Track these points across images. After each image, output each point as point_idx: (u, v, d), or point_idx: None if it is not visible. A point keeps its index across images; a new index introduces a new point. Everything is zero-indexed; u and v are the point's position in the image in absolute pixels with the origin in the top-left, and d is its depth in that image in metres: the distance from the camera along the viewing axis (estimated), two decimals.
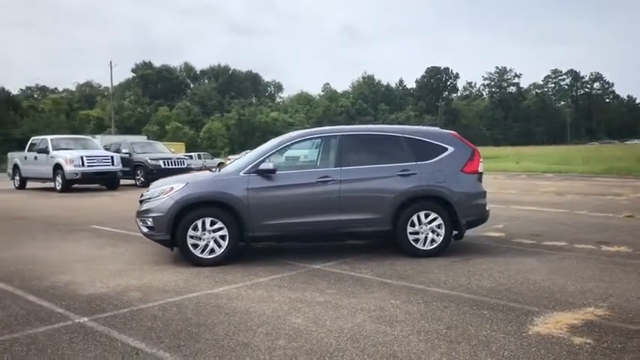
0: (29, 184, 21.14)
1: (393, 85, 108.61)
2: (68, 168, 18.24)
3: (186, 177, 7.62)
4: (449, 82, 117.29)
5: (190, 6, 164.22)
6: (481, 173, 7.60)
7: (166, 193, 6.94)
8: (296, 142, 7.46)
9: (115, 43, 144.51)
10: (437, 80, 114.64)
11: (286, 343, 4.21)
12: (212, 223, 6.81)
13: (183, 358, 3.93)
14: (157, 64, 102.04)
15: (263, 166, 6.96)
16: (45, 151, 19.28)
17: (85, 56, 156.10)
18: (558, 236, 8.74)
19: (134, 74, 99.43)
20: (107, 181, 19.60)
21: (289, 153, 7.51)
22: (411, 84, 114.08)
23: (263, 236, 7.02)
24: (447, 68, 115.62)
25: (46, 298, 5.49)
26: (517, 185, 20.20)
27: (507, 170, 31.57)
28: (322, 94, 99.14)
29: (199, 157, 47.09)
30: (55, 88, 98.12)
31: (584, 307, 5.01)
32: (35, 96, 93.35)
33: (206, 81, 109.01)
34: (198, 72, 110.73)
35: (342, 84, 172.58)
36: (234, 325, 4.62)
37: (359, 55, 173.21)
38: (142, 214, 7.05)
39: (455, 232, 7.41)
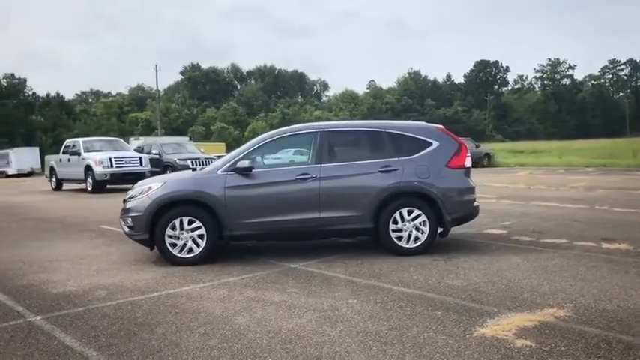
0: (66, 186, 21.87)
1: (440, 80, 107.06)
2: (97, 169, 18.76)
3: (165, 176, 7.67)
4: (498, 76, 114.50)
5: (238, 8, 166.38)
6: (468, 168, 7.33)
7: (145, 192, 7.00)
8: (276, 140, 7.38)
9: (166, 48, 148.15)
10: (486, 74, 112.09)
11: (217, 343, 4.15)
12: (190, 222, 6.82)
13: (107, 357, 3.93)
14: (205, 66, 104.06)
15: (239, 165, 6.91)
16: (77, 153, 19.91)
17: (137, 61, 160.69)
18: (562, 233, 8.35)
19: (182, 76, 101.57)
20: (135, 182, 19.98)
21: (270, 151, 7.41)
22: (459, 78, 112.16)
23: (242, 235, 6.98)
24: (497, 61, 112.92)
25: (13, 297, 5.62)
26: (549, 181, 19.48)
27: (548, 165, 30.56)
28: (367, 91, 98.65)
29: None
30: (109, 92, 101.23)
31: (547, 308, 4.75)
32: (90, 100, 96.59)
33: (252, 81, 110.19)
34: (244, 73, 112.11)
35: (388, 80, 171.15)
36: (177, 325, 4.59)
37: (405, 51, 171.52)
38: (123, 214, 7.13)
39: (440, 230, 7.17)
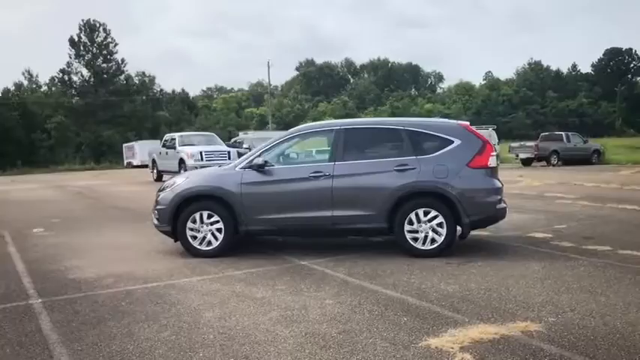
0: (165, 177, 23.32)
1: (564, 70, 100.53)
2: (189, 162, 19.86)
3: (190, 172, 7.98)
4: (632, 65, 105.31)
5: (358, 2, 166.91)
6: (492, 168, 6.92)
7: (170, 186, 7.37)
8: (295, 137, 7.43)
9: (287, 44, 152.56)
10: (617, 63, 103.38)
11: (168, 335, 4.32)
12: (209, 216, 7.08)
13: (63, 343, 4.23)
14: (321, 61, 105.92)
15: (255, 161, 7.06)
16: (173, 146, 21.21)
17: (260, 58, 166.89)
18: (614, 240, 7.64)
19: (298, 72, 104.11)
20: None
21: (288, 148, 7.48)
22: (585, 68, 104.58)
23: (257, 230, 7.13)
24: (630, 49, 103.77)
25: (35, 280, 6.18)
26: None
27: None
28: (483, 82, 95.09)
29: None
30: (232, 89, 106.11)
31: (522, 321, 4.42)
32: (214, 96, 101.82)
33: (365, 75, 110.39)
34: (358, 67, 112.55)
35: (506, 72, 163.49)
36: (147, 315, 4.83)
37: (527, 41, 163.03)
38: (154, 207, 7.54)
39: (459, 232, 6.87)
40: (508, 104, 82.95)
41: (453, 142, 6.89)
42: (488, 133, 34.24)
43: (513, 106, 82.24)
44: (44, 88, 71.19)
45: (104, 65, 60.31)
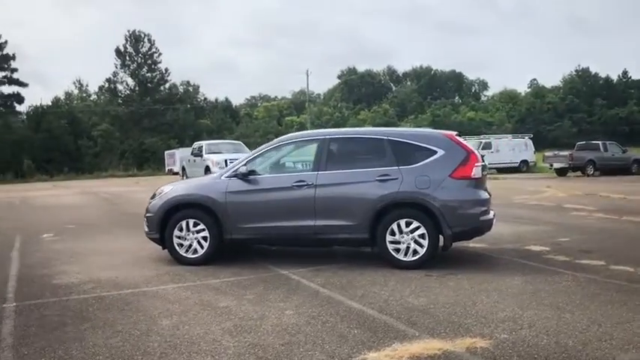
0: None
1: (613, 77, 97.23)
2: (214, 169, 20.16)
3: (180, 180, 8.10)
4: None
5: (401, 10, 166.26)
6: (477, 179, 6.77)
7: (159, 195, 7.51)
8: (280, 146, 7.47)
9: (330, 52, 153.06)
10: None
11: (116, 342, 4.39)
12: (195, 225, 7.17)
13: (15, 347, 4.36)
14: (363, 69, 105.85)
15: (240, 170, 7.12)
16: (200, 154, 21.60)
17: (302, 66, 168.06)
18: (612, 255, 7.35)
19: (339, 80, 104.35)
20: None
21: (274, 157, 7.50)
22: (636, 75, 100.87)
23: (241, 239, 7.17)
24: None
25: (20, 284, 6.40)
26: None
27: None
28: (528, 90, 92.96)
29: None
30: (276, 97, 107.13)
31: (472, 338, 4.31)
32: (258, 104, 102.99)
33: (408, 83, 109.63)
34: (400, 74, 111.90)
35: (553, 79, 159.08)
36: (105, 322, 4.91)
37: (574, 47, 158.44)
38: (144, 214, 7.69)
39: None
40: (553, 112, 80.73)
41: (436, 152, 6.79)
42: (524, 142, 33.52)
43: (559, 114, 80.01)
44: (93, 96, 73.73)
45: (148, 75, 61.88)
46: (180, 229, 7.20)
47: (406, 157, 6.85)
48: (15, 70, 57.97)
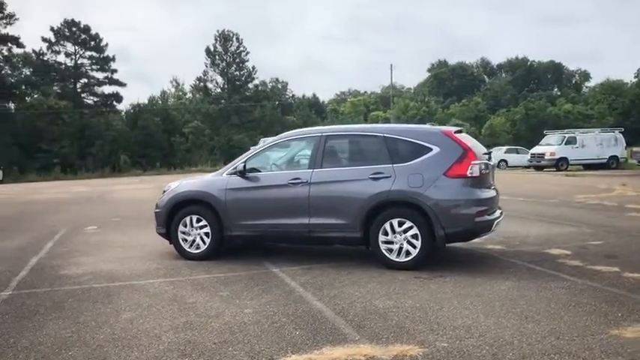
0: None
1: None
2: None
3: (188, 177, 8.28)
4: None
5: (493, 1, 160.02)
6: (473, 178, 6.41)
7: (167, 191, 7.74)
8: (279, 144, 7.46)
9: (420, 45, 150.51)
10: None
11: (68, 332, 4.60)
12: (198, 221, 7.34)
13: None
14: (454, 61, 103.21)
15: (238, 167, 7.20)
16: None
17: (392, 60, 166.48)
18: (638, 261, 6.74)
19: (429, 74, 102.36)
20: None
21: (273, 154, 7.50)
22: None
23: (240, 235, 7.25)
24: None
25: (30, 273, 6.84)
26: None
27: None
28: (634, 80, 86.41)
29: None
30: (365, 92, 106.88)
31: (408, 345, 4.12)
32: (348, 100, 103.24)
33: (503, 75, 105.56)
34: (494, 66, 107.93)
35: None
36: (75, 311, 5.16)
37: None
38: (154, 210, 7.95)
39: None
40: None
41: (431, 149, 6.51)
42: (614, 137, 31.27)
43: None
44: (189, 95, 77.14)
45: (237, 73, 63.82)
46: (185, 225, 7.39)
47: (401, 154, 6.63)
48: (115, 71, 61.85)
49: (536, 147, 32.68)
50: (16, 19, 56.32)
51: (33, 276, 6.71)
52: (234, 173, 7.24)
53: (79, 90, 62.09)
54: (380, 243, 6.55)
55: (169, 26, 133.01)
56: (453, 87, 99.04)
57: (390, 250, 6.51)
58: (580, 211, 11.68)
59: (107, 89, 62.32)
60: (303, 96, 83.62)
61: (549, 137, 32.70)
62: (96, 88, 62.52)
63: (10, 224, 12.01)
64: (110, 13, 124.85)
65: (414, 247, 6.41)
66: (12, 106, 60.66)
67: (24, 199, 20.81)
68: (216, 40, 62.85)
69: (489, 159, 7.07)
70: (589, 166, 30.50)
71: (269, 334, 4.45)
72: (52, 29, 59.51)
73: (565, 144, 30.46)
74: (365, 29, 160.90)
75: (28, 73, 63.74)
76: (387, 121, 75.24)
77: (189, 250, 7.41)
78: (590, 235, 8.62)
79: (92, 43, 60.51)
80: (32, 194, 23.39)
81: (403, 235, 6.45)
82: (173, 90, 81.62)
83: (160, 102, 68.31)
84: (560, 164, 29.94)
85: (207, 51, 62.76)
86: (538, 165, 31.09)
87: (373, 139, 6.92)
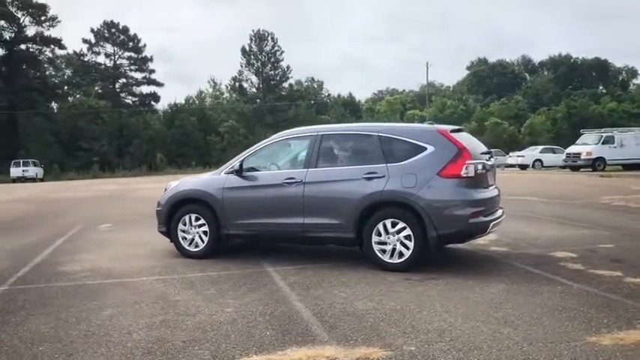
0: None
1: None
2: None
3: (189, 176, 8.33)
4: None
5: None
6: (468, 178, 6.23)
7: (167, 190, 7.81)
8: (275, 143, 7.42)
9: (461, 43, 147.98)
10: None
11: (45, 328, 4.66)
12: (197, 219, 7.37)
13: None
14: (495, 59, 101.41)
15: (235, 166, 7.21)
16: None
17: (431, 58, 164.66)
18: None
19: (468, 72, 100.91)
20: None
21: (270, 154, 7.45)
22: None
23: (236, 234, 7.26)
24: None
25: (31, 269, 7.00)
26: None
27: None
28: None
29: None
30: (403, 90, 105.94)
31: (374, 348, 4.04)
32: (385, 99, 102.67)
33: (545, 72, 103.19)
34: (536, 64, 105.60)
35: None
36: (59, 308, 5.24)
37: None
38: (156, 208, 8.01)
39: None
40: None
41: (426, 148, 6.38)
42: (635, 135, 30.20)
43: None
44: (226, 94, 78.06)
45: (271, 72, 64.26)
46: (184, 224, 7.44)
47: (395, 154, 6.52)
48: (153, 71, 63.15)
49: (572, 146, 31.80)
50: (58, 22, 58.05)
51: (33, 272, 6.86)
52: (232, 172, 7.25)
53: (117, 90, 63.56)
54: (373, 244, 6.45)
55: (209, 26, 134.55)
56: (492, 85, 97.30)
57: (384, 251, 6.41)
58: (601, 213, 11.28)
59: (145, 89, 63.72)
60: (339, 95, 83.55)
61: (586, 136, 31.77)
62: (134, 88, 63.95)
63: (31, 221, 12.36)
64: (151, 14, 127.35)
65: (408, 248, 6.30)
66: (54, 106, 62.59)
67: (54, 196, 21.38)
68: (251, 39, 63.49)
69: (490, 159, 6.90)
70: (628, 167, 29.49)
71: (239, 334, 4.42)
72: (92, 30, 61.08)
73: (602, 143, 29.51)
74: (406, 27, 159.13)
75: (70, 73, 65.67)
76: (422, 119, 74.54)
77: (188, 248, 7.45)
78: (604, 238, 8.31)
79: (131, 43, 61.89)
80: (64, 192, 24.03)
81: (396, 236, 6.33)
82: (211, 90, 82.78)
83: (197, 101, 69.25)
84: (597, 164, 29.01)
85: (243, 51, 63.44)
86: (574, 165, 30.20)
87: (368, 138, 6.82)
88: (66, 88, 65.13)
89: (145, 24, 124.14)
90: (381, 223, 6.40)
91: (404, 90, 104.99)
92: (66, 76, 66.79)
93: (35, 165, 45.64)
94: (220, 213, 7.19)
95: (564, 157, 31.45)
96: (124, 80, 63.60)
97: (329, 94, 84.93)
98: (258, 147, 7.45)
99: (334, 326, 4.56)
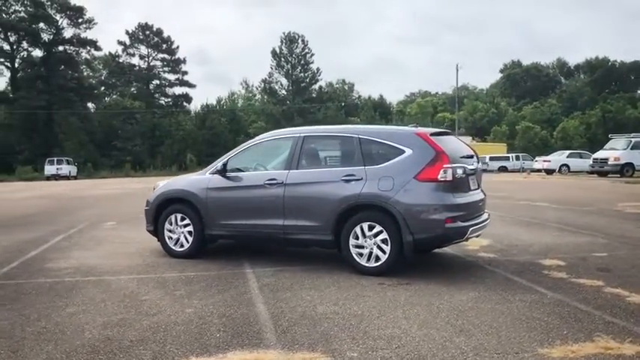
0: None
1: None
2: None
3: (179, 176, 8.39)
4: None
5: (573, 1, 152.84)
6: (445, 182, 6.09)
7: (155, 189, 7.87)
8: (259, 144, 7.40)
9: (495, 46, 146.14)
10: None
11: (4, 324, 4.75)
12: (182, 219, 7.42)
13: None
14: (529, 62, 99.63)
15: (218, 167, 7.22)
16: None
17: (466, 61, 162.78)
18: (630, 276, 6.24)
19: (502, 74, 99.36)
20: None
21: (253, 155, 7.42)
22: None
23: (219, 235, 7.27)
24: None
25: (21, 265, 7.15)
26: None
27: None
28: None
29: (517, 158, 44.64)
30: (437, 93, 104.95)
31: (315, 353, 3.99)
32: (416, 101, 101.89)
33: (581, 76, 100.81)
34: (572, 67, 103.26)
35: None
36: (24, 304, 5.31)
37: None
38: (144, 207, 8.08)
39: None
40: None
41: (404, 151, 6.28)
42: None
43: None
44: (258, 96, 78.63)
45: (301, 75, 64.45)
46: (170, 223, 7.49)
47: (374, 156, 6.45)
48: (185, 72, 64.06)
49: (600, 152, 30.95)
50: (94, 24, 59.42)
51: (19, 268, 6.99)
52: (216, 172, 7.26)
53: (152, 91, 64.67)
54: (351, 247, 6.38)
55: (245, 28, 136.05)
56: (526, 88, 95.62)
57: (361, 255, 6.33)
58: (609, 220, 10.93)
59: (178, 90, 64.60)
60: (369, 97, 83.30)
61: (614, 141, 30.87)
62: (167, 89, 64.94)
63: (40, 218, 12.64)
64: (185, 17, 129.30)
65: (384, 252, 6.20)
66: (90, 106, 64.09)
67: (79, 194, 21.84)
68: (281, 42, 63.86)
69: (474, 162, 6.74)
70: None
71: (189, 335, 4.41)
72: (127, 32, 62.30)
73: (631, 149, 28.62)
74: (440, 29, 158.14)
75: (106, 74, 67.14)
76: (452, 122, 73.75)
77: (173, 247, 7.50)
78: (601, 246, 8.04)
79: (164, 45, 62.93)
80: (89, 189, 24.55)
81: (373, 240, 6.25)
82: (243, 91, 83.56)
83: (228, 103, 69.97)
84: (625, 170, 28.16)
85: (273, 53, 63.82)
86: (601, 170, 29.36)
87: (348, 140, 6.74)
88: (102, 88, 66.65)
89: (183, 26, 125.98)
90: (359, 226, 6.32)
91: (436, 92, 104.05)
92: (102, 77, 68.35)
93: (69, 163, 46.79)
94: (204, 213, 7.21)
95: (591, 162, 30.60)
96: (158, 82, 64.68)
97: (359, 96, 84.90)
98: (242, 148, 7.45)
99: (286, 330, 4.50)
